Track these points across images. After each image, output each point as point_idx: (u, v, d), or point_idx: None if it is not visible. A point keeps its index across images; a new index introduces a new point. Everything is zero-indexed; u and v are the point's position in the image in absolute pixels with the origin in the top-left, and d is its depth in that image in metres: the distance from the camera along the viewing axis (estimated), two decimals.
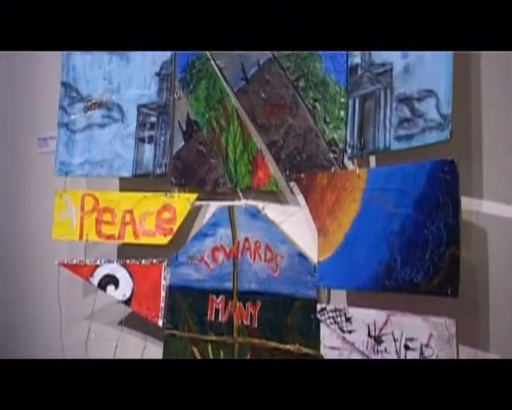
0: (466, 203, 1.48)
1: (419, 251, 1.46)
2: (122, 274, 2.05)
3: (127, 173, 2.08)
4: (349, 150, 1.67)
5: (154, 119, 2.06)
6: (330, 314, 1.68)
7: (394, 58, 1.57)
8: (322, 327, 1.71)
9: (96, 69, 2.18)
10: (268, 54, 1.84)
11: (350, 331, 1.63)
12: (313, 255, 1.76)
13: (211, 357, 1.92)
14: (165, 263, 2.01)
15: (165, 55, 2.05)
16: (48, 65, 2.47)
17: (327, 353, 1.70)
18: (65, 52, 2.22)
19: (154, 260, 2.02)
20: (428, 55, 1.49)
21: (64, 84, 2.22)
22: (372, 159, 1.69)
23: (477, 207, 1.54)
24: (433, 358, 1.47)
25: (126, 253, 2.11)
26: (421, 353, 1.49)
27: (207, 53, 1.97)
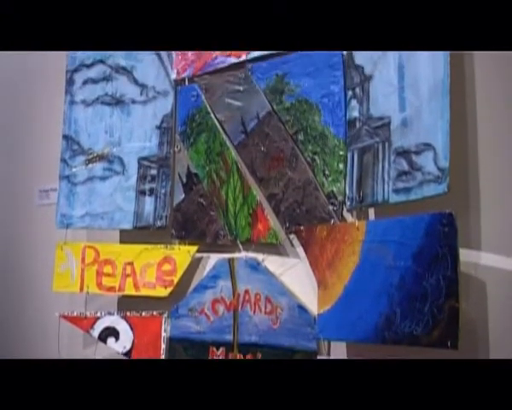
0: (465, 255, 1.48)
1: (418, 303, 1.46)
2: (122, 326, 2.05)
3: (128, 226, 2.09)
4: (348, 203, 1.69)
5: (154, 171, 2.08)
6: None
7: (392, 112, 1.59)
8: None
9: (98, 122, 2.21)
10: (267, 108, 1.87)
11: None
12: (313, 307, 1.76)
13: None
14: (165, 315, 2.01)
15: (166, 108, 2.09)
16: (48, 117, 2.50)
17: None
18: (67, 104, 2.25)
19: (155, 313, 2.02)
20: (425, 108, 1.51)
21: (66, 137, 2.25)
22: (371, 211, 1.70)
23: (476, 259, 1.54)
24: None
25: (127, 304, 2.11)
26: None
27: (208, 107, 2.00)
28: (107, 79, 2.22)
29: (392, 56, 1.60)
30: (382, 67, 1.63)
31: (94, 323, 2.07)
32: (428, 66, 1.51)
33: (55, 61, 2.38)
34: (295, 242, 1.84)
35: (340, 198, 1.71)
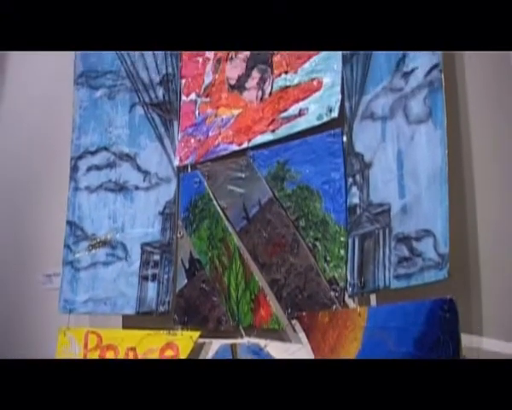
0: (466, 340, 1.48)
1: None
2: None
3: (130, 311, 2.10)
4: (350, 289, 1.70)
5: (157, 257, 2.10)
6: None
7: (392, 199, 1.61)
8: None
9: (101, 208, 2.24)
10: (269, 194, 1.90)
11: None
12: None
13: None
14: None
15: (169, 194, 2.12)
16: (53, 202, 2.53)
17: None
18: (71, 191, 2.29)
19: None
20: (425, 195, 1.53)
21: (69, 223, 2.28)
22: (373, 297, 1.70)
23: (477, 344, 1.54)
24: None
25: None
26: None
27: (210, 193, 2.03)
28: (110, 165, 2.26)
29: (390, 144, 1.64)
30: (381, 155, 1.66)
31: None
32: (427, 153, 1.54)
33: (60, 148, 2.43)
34: (297, 327, 1.83)
35: (341, 284, 1.72)
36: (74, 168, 2.33)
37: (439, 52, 1.55)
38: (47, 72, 2.70)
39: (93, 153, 2.31)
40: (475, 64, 1.62)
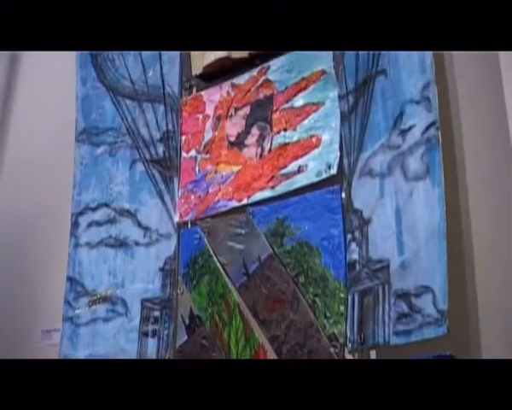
0: None
1: None
2: None
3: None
4: (349, 345, 1.69)
5: (157, 313, 2.09)
6: None
7: (390, 255, 1.62)
8: None
9: (102, 264, 2.25)
10: (269, 250, 1.90)
11: None
12: None
13: None
14: None
15: (169, 251, 2.12)
16: (52, 258, 2.54)
17: None
18: (71, 247, 2.30)
19: None
20: (423, 252, 1.54)
21: (70, 279, 2.28)
22: (372, 353, 1.70)
23: None
24: None
25: None
26: None
27: (210, 249, 2.03)
28: (111, 221, 2.27)
29: (389, 201, 1.66)
30: (380, 212, 1.68)
31: None
32: (425, 210, 1.56)
33: (61, 204, 2.45)
34: None
35: (341, 340, 1.71)
36: (75, 224, 2.34)
37: (436, 110, 1.57)
38: (48, 128, 2.72)
39: (94, 209, 2.32)
40: (471, 121, 1.65)
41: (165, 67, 2.26)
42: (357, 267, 1.71)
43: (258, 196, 1.94)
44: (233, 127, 2.04)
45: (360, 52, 1.78)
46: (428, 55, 1.61)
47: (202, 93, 2.16)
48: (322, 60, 1.89)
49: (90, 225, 2.32)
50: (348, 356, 1.72)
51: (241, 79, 2.06)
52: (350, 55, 1.81)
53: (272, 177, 1.91)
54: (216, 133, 2.09)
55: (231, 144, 2.04)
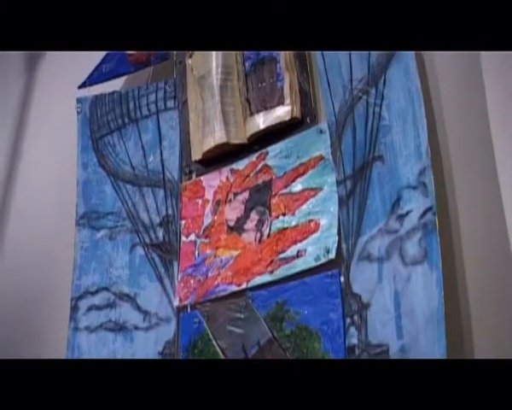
0: None
1: None
2: None
3: None
4: None
5: None
6: None
7: (390, 339, 1.63)
8: None
9: (101, 348, 2.24)
10: (268, 335, 1.90)
11: None
12: None
13: None
14: None
15: (169, 334, 2.12)
16: (50, 342, 2.53)
17: None
18: (70, 331, 2.29)
19: None
20: (422, 335, 1.55)
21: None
22: None
23: None
24: None
25: None
26: None
27: (209, 334, 2.03)
28: (110, 305, 2.27)
29: (387, 285, 1.67)
30: (379, 296, 1.69)
31: None
32: (423, 294, 1.57)
33: (60, 288, 2.45)
34: None
35: None
36: (74, 308, 2.33)
37: (433, 195, 1.60)
38: (49, 212, 2.74)
39: (93, 293, 2.32)
40: (468, 206, 1.68)
41: (165, 152, 2.30)
42: (357, 352, 1.71)
43: (258, 280, 1.95)
44: (232, 212, 2.07)
45: (357, 138, 1.83)
46: (424, 141, 1.65)
47: (202, 178, 2.19)
48: (320, 145, 1.93)
49: (89, 309, 2.32)
50: None
51: (241, 165, 2.10)
52: (347, 140, 1.85)
53: (271, 261, 1.92)
54: (215, 218, 2.12)
55: (230, 229, 2.06)
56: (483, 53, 1.64)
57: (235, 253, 2.03)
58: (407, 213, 1.66)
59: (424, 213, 1.61)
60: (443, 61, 1.81)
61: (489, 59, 1.63)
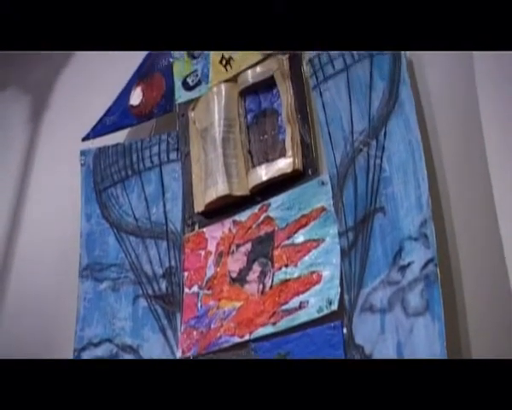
0: None
1: None
2: None
3: None
4: None
5: None
6: None
7: None
8: None
9: None
10: None
11: None
12: None
13: None
14: None
15: None
16: None
17: None
18: None
19: None
20: None
21: None
22: None
23: None
24: None
25: None
26: None
27: None
28: (113, 357, 2.26)
29: (390, 336, 1.67)
30: (381, 347, 1.68)
31: None
32: (426, 345, 1.57)
33: (63, 340, 2.45)
34: None
35: None
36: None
37: (434, 246, 1.61)
38: (52, 264, 2.75)
39: (96, 344, 2.31)
40: (469, 257, 1.68)
41: (168, 204, 2.32)
42: None
43: (260, 331, 1.95)
44: (235, 263, 2.07)
45: (358, 189, 1.84)
46: (425, 193, 1.67)
47: (204, 230, 2.20)
48: (322, 197, 1.95)
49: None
50: None
51: (243, 216, 2.11)
52: (349, 192, 1.87)
53: (274, 313, 1.92)
54: (218, 269, 2.12)
55: (233, 280, 2.06)
56: (482, 102, 1.67)
57: (237, 304, 2.03)
58: (409, 264, 1.67)
59: (426, 264, 1.62)
60: (443, 112, 1.83)
61: (488, 107, 1.65)
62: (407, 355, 1.61)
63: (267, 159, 2.10)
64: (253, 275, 2.02)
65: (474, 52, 1.67)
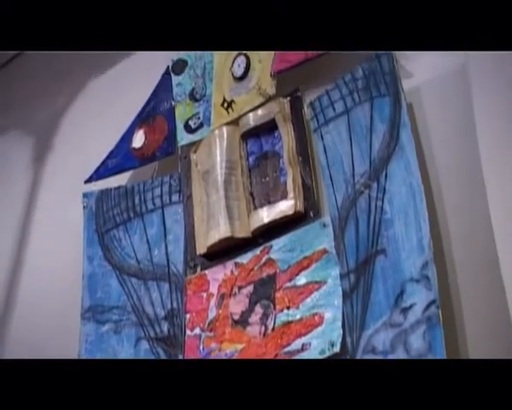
0: None
1: None
2: None
3: None
4: None
5: None
6: None
7: None
8: None
9: None
10: None
11: None
12: None
13: None
14: None
15: None
16: None
17: None
18: None
19: None
20: None
21: None
22: None
23: None
24: None
25: None
26: None
27: None
28: None
29: None
30: None
31: None
32: None
33: None
34: None
35: None
36: None
37: (436, 288, 1.62)
38: (54, 306, 2.75)
39: None
40: (471, 298, 1.69)
41: (170, 246, 2.32)
42: None
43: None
44: (237, 305, 2.07)
45: (360, 231, 1.85)
46: (426, 235, 1.68)
47: (206, 272, 2.20)
48: (324, 239, 1.95)
49: None
50: None
51: (245, 258, 2.11)
52: (350, 234, 1.87)
53: (276, 355, 1.91)
54: (220, 311, 2.11)
55: (235, 322, 2.06)
56: (481, 143, 1.68)
57: (239, 346, 2.02)
58: (411, 306, 1.67)
59: (428, 306, 1.62)
60: (443, 154, 1.85)
61: (488, 148, 1.67)
62: None
63: (269, 201, 2.11)
64: (255, 317, 2.02)
65: (474, 91, 1.69)
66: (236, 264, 2.12)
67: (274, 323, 1.96)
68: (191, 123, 2.40)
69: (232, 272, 2.12)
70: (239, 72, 2.27)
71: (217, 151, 2.24)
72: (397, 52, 1.89)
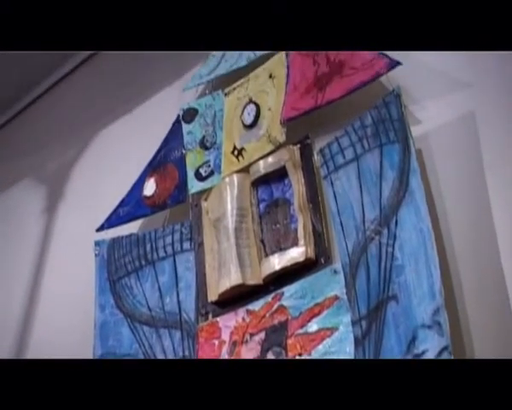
0: None
1: None
2: None
3: None
4: None
5: None
6: None
7: None
8: None
9: None
10: None
11: None
12: None
13: None
14: None
15: None
16: None
17: None
18: None
19: None
20: None
21: None
22: None
23: None
24: None
25: None
26: None
27: None
28: None
29: None
30: None
31: None
32: None
33: None
34: None
35: None
36: None
37: (448, 334, 1.61)
38: (65, 354, 2.75)
39: None
40: (484, 343, 1.68)
41: (181, 293, 2.33)
42: None
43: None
44: (249, 353, 2.06)
45: (371, 278, 1.85)
46: (437, 281, 1.68)
47: (218, 319, 2.20)
48: (335, 286, 1.95)
49: None
50: None
51: (256, 305, 2.11)
52: (361, 280, 1.88)
53: None
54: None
55: None
56: (491, 187, 1.70)
57: None
58: (423, 352, 1.66)
59: (440, 352, 1.62)
60: (453, 200, 1.86)
61: (498, 192, 1.69)
62: None
63: (280, 248, 2.12)
64: None
65: (482, 136, 1.71)
66: (248, 311, 2.12)
67: None
68: (202, 171, 2.42)
69: (244, 319, 2.12)
70: (249, 120, 2.29)
71: (227, 199, 2.25)
72: (405, 98, 1.90)
